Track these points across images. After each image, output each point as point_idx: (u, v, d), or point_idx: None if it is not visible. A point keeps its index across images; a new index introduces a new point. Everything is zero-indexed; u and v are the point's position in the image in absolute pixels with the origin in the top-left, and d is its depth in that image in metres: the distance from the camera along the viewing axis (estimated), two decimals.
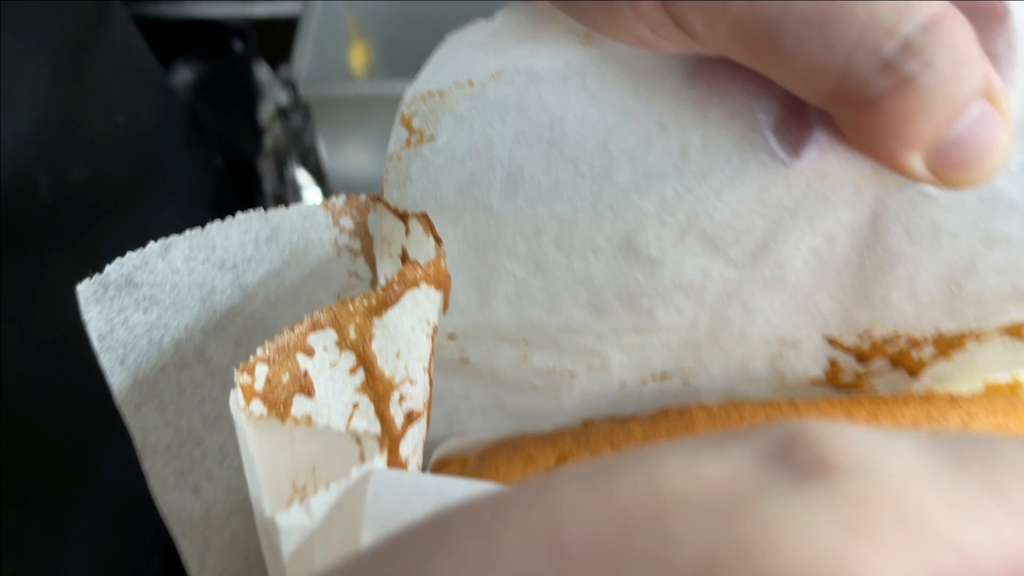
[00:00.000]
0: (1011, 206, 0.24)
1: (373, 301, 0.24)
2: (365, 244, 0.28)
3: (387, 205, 0.26)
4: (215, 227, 0.25)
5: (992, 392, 0.34)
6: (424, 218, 0.26)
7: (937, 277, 0.27)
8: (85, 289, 0.24)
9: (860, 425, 0.14)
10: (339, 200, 0.27)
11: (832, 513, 0.12)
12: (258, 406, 0.23)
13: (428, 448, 0.33)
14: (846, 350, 0.30)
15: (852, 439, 0.13)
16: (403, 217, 0.26)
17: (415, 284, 0.24)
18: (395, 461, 0.26)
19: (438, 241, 0.26)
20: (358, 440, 0.25)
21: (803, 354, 0.30)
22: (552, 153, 0.25)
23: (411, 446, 0.26)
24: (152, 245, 0.25)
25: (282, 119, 0.51)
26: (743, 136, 0.24)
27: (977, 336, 0.30)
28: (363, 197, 0.27)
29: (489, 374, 0.31)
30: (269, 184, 0.50)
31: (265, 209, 0.27)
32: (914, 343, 0.30)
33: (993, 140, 0.21)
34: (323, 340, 0.23)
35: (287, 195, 0.51)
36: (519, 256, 0.27)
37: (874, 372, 0.31)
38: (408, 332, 0.25)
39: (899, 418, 0.29)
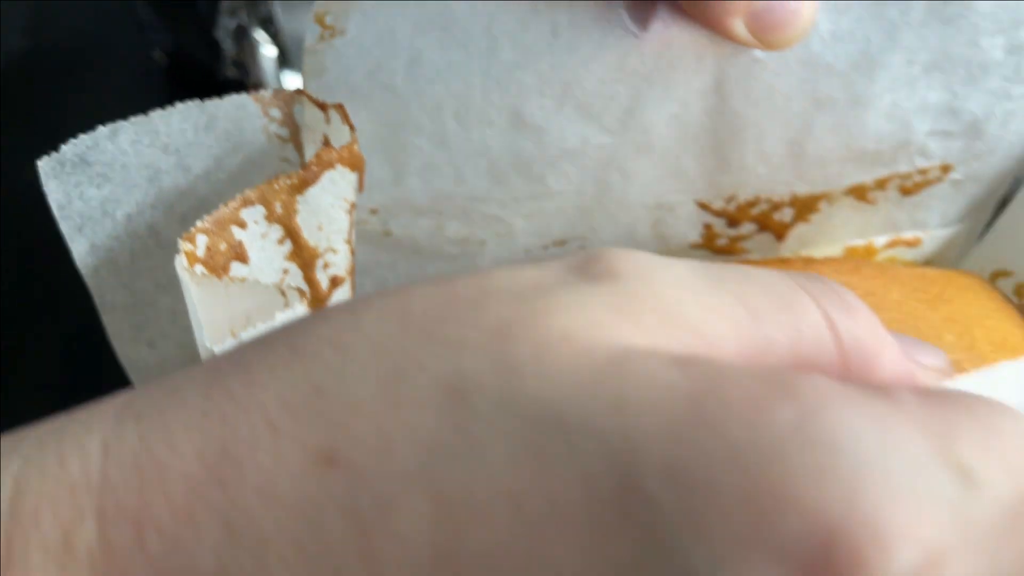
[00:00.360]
0: (829, 70, 0.29)
1: (295, 180, 0.27)
2: (292, 132, 0.31)
3: (309, 97, 0.30)
4: (157, 115, 0.29)
5: (849, 255, 0.38)
6: (340, 108, 0.29)
7: (781, 139, 0.31)
8: (44, 165, 0.28)
9: (654, 255, 0.17)
10: (267, 92, 0.30)
11: (606, 301, 0.15)
12: (200, 270, 0.26)
13: None
14: (716, 214, 0.34)
15: (639, 257, 0.17)
16: (322, 107, 0.29)
17: (331, 165, 0.28)
18: None
19: (351, 128, 0.29)
20: (284, 294, 0.29)
21: (680, 219, 0.34)
22: (445, 38, 0.29)
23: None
24: (101, 129, 0.28)
25: None
26: (602, 15, 0.28)
27: (828, 198, 0.34)
28: (289, 90, 0.30)
29: (410, 245, 0.35)
30: (228, 47, 0.53)
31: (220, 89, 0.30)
32: (774, 206, 0.34)
33: (799, 5, 0.25)
34: (253, 215, 0.27)
35: (246, 57, 0.54)
36: (424, 132, 0.31)
37: (744, 236, 0.35)
38: (328, 208, 0.28)
39: None
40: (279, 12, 0.46)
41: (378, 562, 0.13)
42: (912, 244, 0.38)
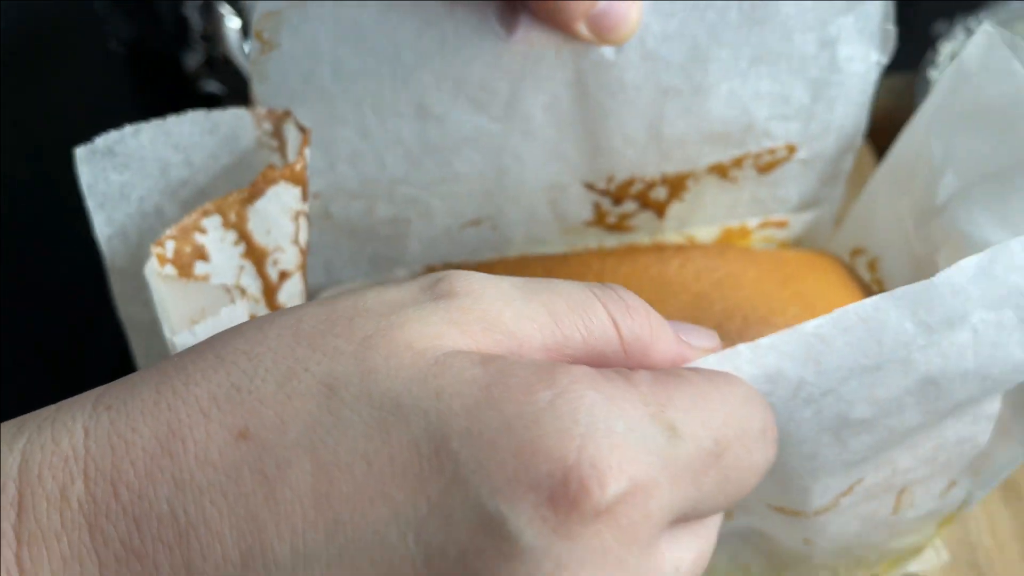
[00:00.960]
0: (668, 64, 0.36)
1: (245, 194, 0.33)
2: (280, 144, 0.37)
3: (295, 119, 0.35)
4: (172, 119, 0.35)
5: (725, 236, 0.44)
6: (306, 131, 0.34)
7: (640, 125, 0.38)
8: (80, 152, 0.34)
9: (488, 274, 0.23)
10: (262, 109, 0.36)
11: (444, 316, 0.21)
12: (170, 269, 0.32)
13: (312, 294, 0.43)
14: (601, 193, 0.40)
15: (473, 278, 0.22)
16: (302, 129, 0.35)
17: (275, 181, 0.33)
18: (273, 305, 0.36)
19: (304, 143, 0.34)
20: (228, 291, 0.34)
21: (572, 199, 0.40)
22: (359, 46, 0.35)
23: (286, 296, 0.36)
24: (127, 127, 0.34)
25: None
26: (479, 23, 0.34)
27: (693, 176, 0.40)
28: (279, 110, 0.36)
29: (348, 227, 0.41)
30: (196, 22, 0.58)
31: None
32: (648, 184, 0.40)
33: (627, 10, 0.32)
34: (212, 223, 0.33)
35: (213, 31, 0.58)
36: (350, 124, 0.37)
37: (629, 214, 0.42)
38: (275, 216, 0.34)
39: (637, 262, 0.39)
40: None
41: (277, 503, 0.20)
42: (781, 225, 0.44)
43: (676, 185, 0.40)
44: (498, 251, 0.43)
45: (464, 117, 0.36)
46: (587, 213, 0.41)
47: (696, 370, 0.23)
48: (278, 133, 0.36)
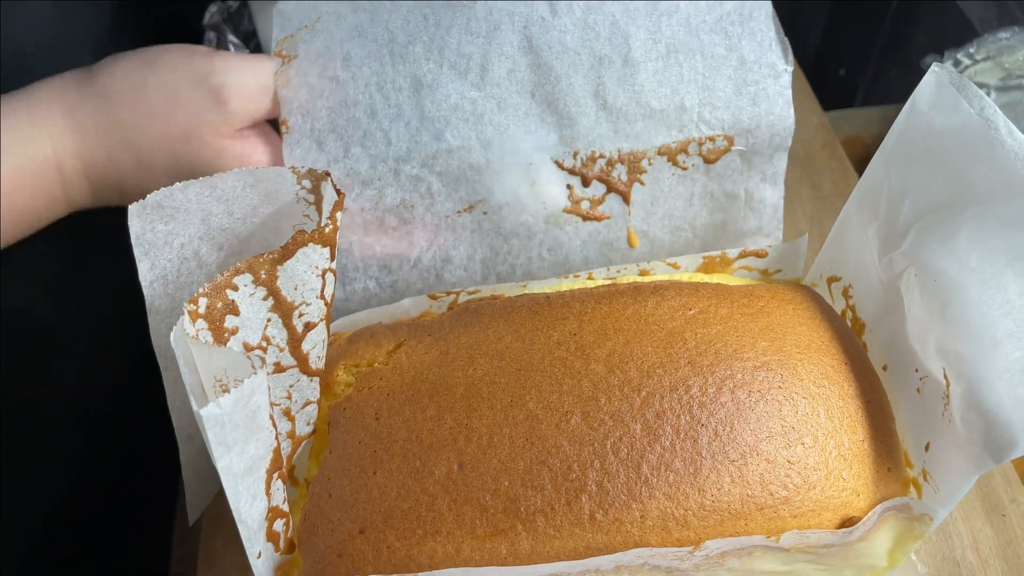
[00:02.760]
0: (596, 33, 0.45)
1: (276, 255, 0.35)
2: (317, 199, 0.40)
3: (332, 181, 0.39)
4: (219, 176, 0.38)
5: (706, 264, 0.46)
6: (342, 194, 0.38)
7: (587, 92, 0.46)
8: (133, 208, 0.37)
9: None
10: (303, 169, 0.41)
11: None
12: (201, 324, 0.34)
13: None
14: (571, 172, 0.48)
15: None
16: (339, 192, 0.39)
17: (304, 244, 0.36)
18: (297, 353, 0.39)
19: (339, 207, 0.38)
20: (250, 359, 0.33)
21: (548, 180, 0.48)
22: (362, 39, 0.46)
23: (310, 344, 0.39)
24: (177, 184, 0.38)
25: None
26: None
27: (647, 157, 0.48)
28: (319, 170, 0.40)
29: (360, 220, 0.48)
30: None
31: None
32: (609, 162, 0.47)
33: None
34: (243, 280, 0.35)
35: None
36: (360, 105, 0.46)
37: (599, 200, 0.49)
38: (302, 273, 0.37)
39: (615, 302, 0.41)
40: (255, 12, 0.56)
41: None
42: (760, 255, 0.47)
43: (633, 165, 0.48)
44: (491, 242, 0.49)
45: (451, 85, 0.46)
46: (563, 198, 0.48)
47: None
48: (316, 190, 0.40)
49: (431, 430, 0.38)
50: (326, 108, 0.46)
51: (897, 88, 0.98)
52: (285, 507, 0.38)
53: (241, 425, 0.32)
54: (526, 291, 0.45)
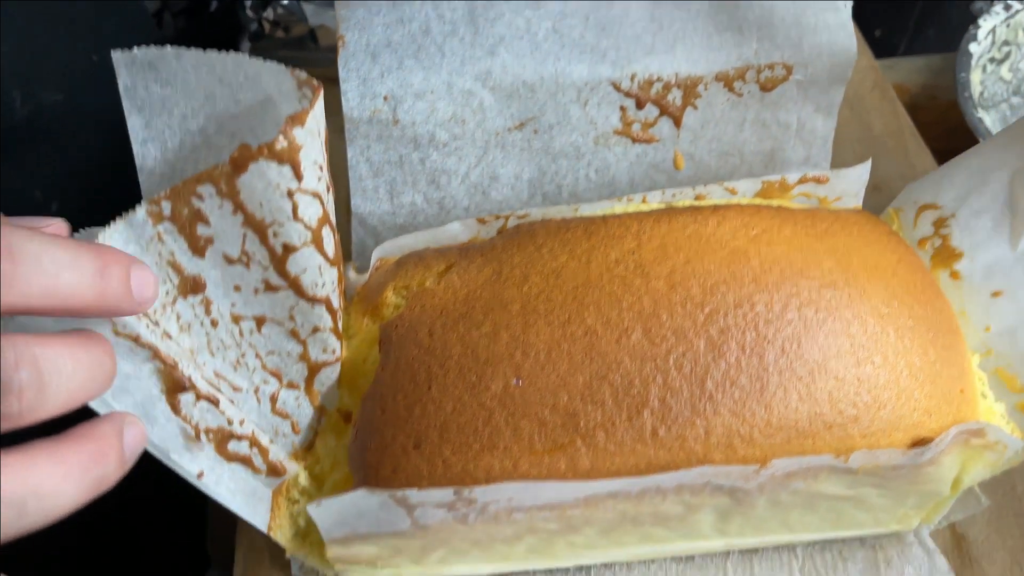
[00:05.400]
0: None
1: (228, 168, 0.33)
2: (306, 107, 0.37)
3: (321, 94, 0.35)
4: (215, 54, 0.35)
5: (766, 190, 0.45)
6: (305, 110, 0.35)
7: (644, 16, 0.45)
8: (117, 56, 0.35)
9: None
10: (302, 75, 0.36)
11: None
12: (168, 226, 0.33)
13: (380, 239, 0.48)
14: (626, 94, 0.46)
15: None
16: (311, 103, 0.35)
17: (253, 159, 0.32)
18: (284, 274, 0.36)
19: (291, 125, 0.34)
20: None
21: (602, 100, 0.47)
22: None
23: (298, 268, 0.36)
24: (167, 48, 0.35)
25: None
26: None
27: (703, 82, 0.46)
28: (316, 82, 0.36)
29: (411, 133, 0.47)
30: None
31: None
32: (667, 87, 0.46)
33: None
34: (207, 189, 0.33)
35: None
36: (416, 21, 0.46)
37: (651, 123, 0.47)
38: (262, 191, 0.33)
39: (675, 221, 0.40)
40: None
41: None
42: (821, 181, 0.45)
43: (689, 90, 0.46)
44: (539, 161, 0.48)
45: (505, 5, 0.45)
46: (615, 119, 0.47)
47: None
48: (313, 104, 0.36)
49: (486, 346, 0.37)
50: (382, 25, 0.45)
51: (935, 48, 0.96)
52: (241, 429, 0.37)
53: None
54: (578, 214, 0.44)
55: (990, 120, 0.66)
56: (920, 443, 0.36)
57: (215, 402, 0.36)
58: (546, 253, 0.40)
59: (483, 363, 0.37)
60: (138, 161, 0.37)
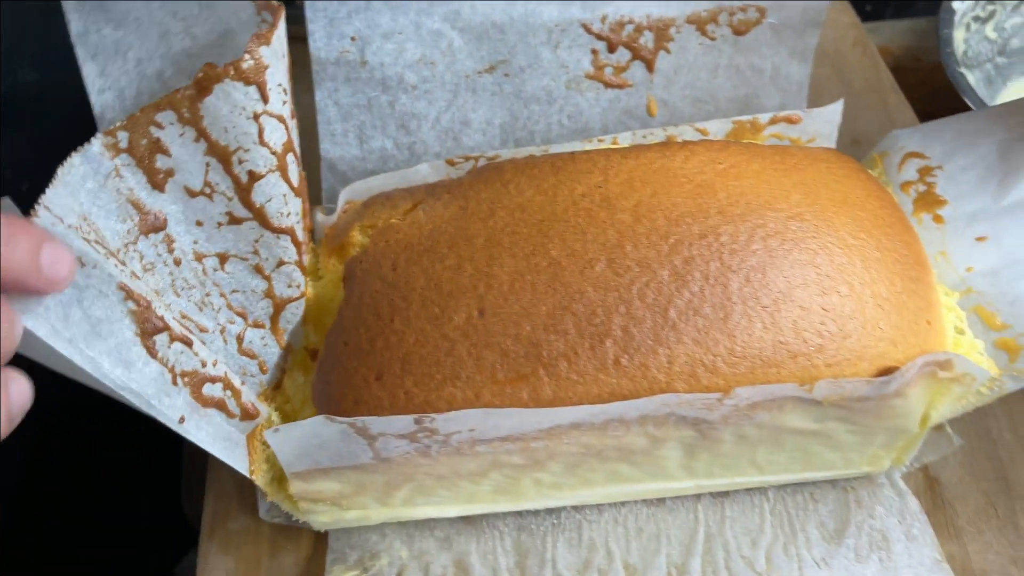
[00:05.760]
0: None
1: (191, 91, 0.32)
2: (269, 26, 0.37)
3: (284, 13, 0.35)
4: None
5: (737, 130, 0.45)
6: (271, 28, 0.34)
7: None
8: (68, 2, 0.34)
9: None
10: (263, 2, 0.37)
11: None
12: (126, 159, 0.32)
13: (350, 167, 0.48)
14: (597, 36, 0.46)
15: None
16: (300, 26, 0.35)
17: (218, 80, 0.32)
18: (248, 203, 0.36)
19: (257, 43, 0.34)
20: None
21: (573, 43, 0.46)
22: None
23: (263, 197, 0.36)
24: None
25: None
26: None
27: (675, 24, 0.46)
28: (275, 3, 0.36)
29: (380, 75, 0.46)
30: None
31: None
32: (638, 29, 0.46)
33: None
34: (167, 117, 0.32)
35: None
36: None
37: (623, 67, 0.47)
38: (227, 114, 0.33)
39: (642, 156, 0.40)
40: None
41: None
42: (792, 121, 0.45)
43: (661, 33, 0.46)
44: (511, 106, 0.48)
45: None
46: (586, 62, 0.47)
47: None
48: (276, 24, 0.36)
49: (450, 278, 0.37)
50: None
51: (924, 2, 0.95)
52: (214, 370, 0.36)
53: None
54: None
55: (973, 79, 0.65)
56: (886, 373, 0.36)
57: (188, 343, 0.35)
58: (512, 188, 0.39)
59: (446, 295, 0.36)
60: (96, 112, 0.36)
